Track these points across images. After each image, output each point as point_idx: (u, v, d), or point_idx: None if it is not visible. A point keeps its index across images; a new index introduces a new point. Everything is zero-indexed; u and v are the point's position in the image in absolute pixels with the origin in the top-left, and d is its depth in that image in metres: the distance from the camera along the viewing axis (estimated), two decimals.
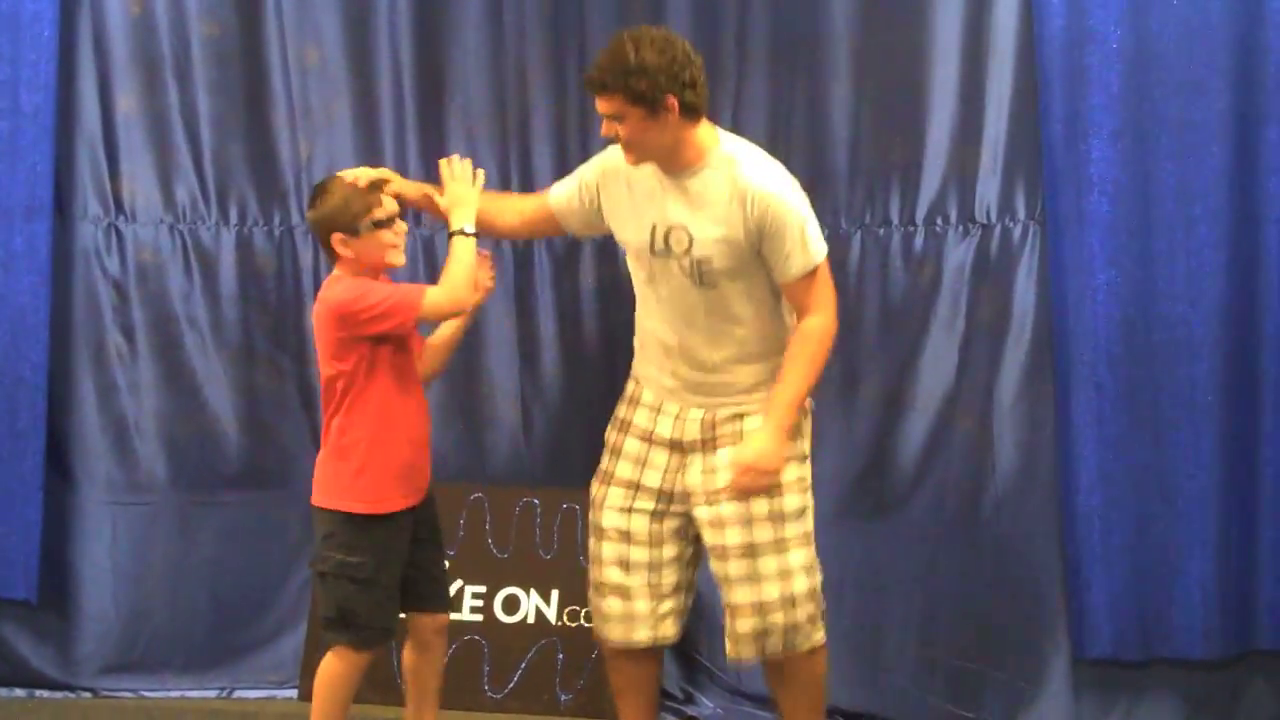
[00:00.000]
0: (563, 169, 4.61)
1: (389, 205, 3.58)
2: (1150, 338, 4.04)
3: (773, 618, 3.49)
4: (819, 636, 3.56)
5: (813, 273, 3.41)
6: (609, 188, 3.60)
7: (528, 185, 4.64)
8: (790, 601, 3.49)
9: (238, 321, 4.75)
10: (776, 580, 3.49)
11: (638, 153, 3.42)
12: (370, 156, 4.69)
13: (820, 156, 4.45)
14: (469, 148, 4.66)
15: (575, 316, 4.69)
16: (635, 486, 3.61)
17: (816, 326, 3.44)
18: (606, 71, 3.35)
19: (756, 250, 3.40)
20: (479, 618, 4.60)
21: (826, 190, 4.44)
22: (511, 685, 4.52)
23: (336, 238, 3.54)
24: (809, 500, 3.56)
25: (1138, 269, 4.04)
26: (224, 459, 4.75)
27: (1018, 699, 4.19)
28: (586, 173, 3.68)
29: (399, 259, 3.61)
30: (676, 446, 3.58)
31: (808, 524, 3.55)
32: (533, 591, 4.61)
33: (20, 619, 4.65)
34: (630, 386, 3.73)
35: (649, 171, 3.49)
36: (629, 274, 4.60)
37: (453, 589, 4.60)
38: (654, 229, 3.48)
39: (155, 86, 4.70)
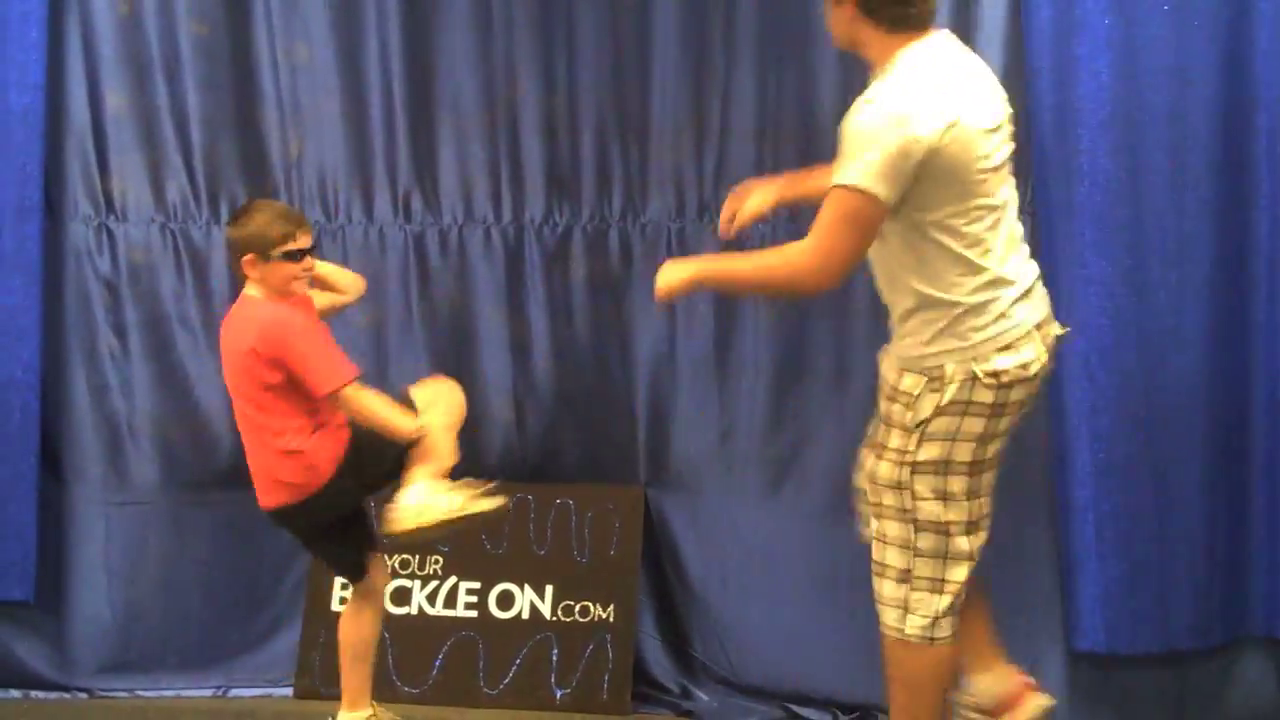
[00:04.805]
0: (553, 164, 4.64)
1: (303, 240, 3.75)
2: (1142, 328, 4.03)
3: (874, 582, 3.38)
4: (911, 631, 3.36)
5: (832, 194, 3.11)
6: None
7: (517, 182, 4.65)
8: (879, 569, 3.38)
9: None
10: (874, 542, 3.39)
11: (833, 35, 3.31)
12: (360, 153, 4.70)
13: (809, 150, 4.42)
14: (458, 144, 4.67)
15: (566, 310, 4.68)
16: None
17: (793, 250, 3.22)
18: None
19: None
20: (473, 614, 4.60)
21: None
22: (506, 681, 4.53)
23: (247, 259, 3.73)
24: (901, 478, 3.30)
25: (1129, 259, 4.03)
26: (217, 458, 4.74)
27: None
28: None
29: (301, 290, 3.81)
30: None
31: (898, 498, 3.32)
32: (527, 587, 4.61)
33: (15, 620, 4.66)
34: None
35: None
36: (620, 266, 4.66)
37: (446, 585, 4.64)
38: None
39: (145, 85, 4.69)
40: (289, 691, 4.63)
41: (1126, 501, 4.06)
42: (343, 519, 3.89)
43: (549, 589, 4.59)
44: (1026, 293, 3.26)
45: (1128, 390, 4.04)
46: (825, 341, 4.48)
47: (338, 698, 4.49)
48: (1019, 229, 3.31)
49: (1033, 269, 3.33)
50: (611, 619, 4.53)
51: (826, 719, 4.38)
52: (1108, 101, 4.00)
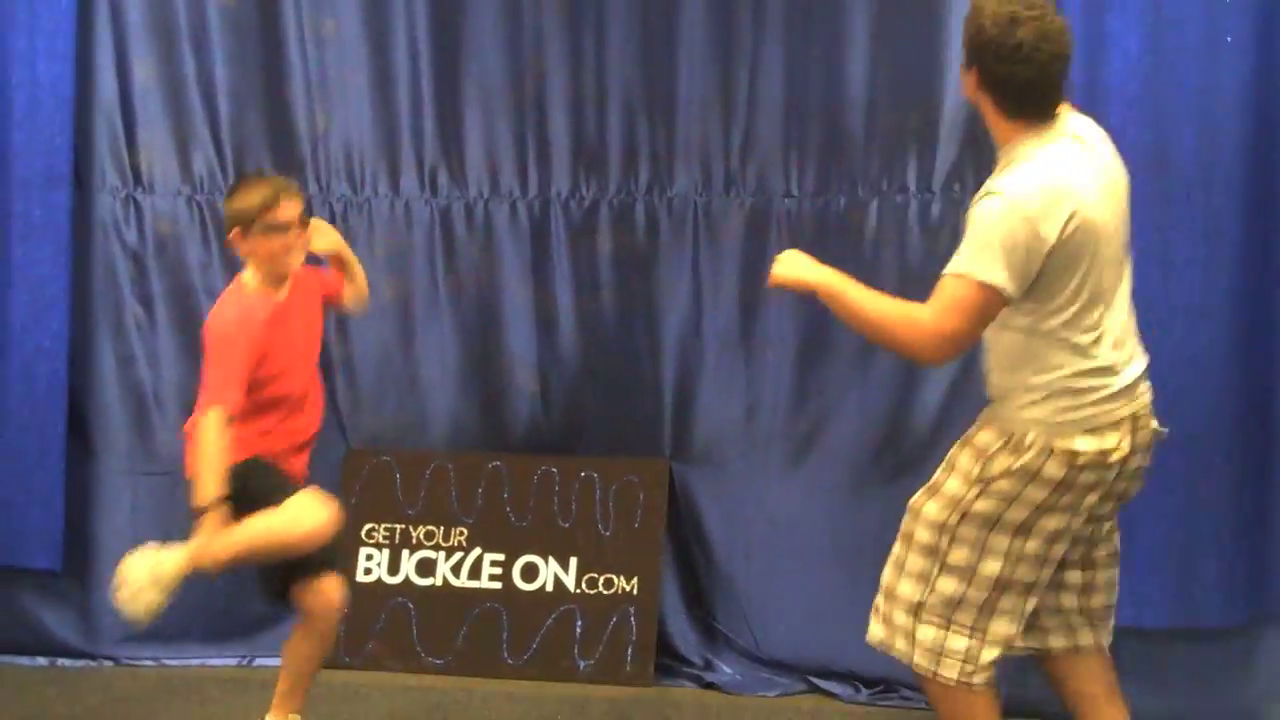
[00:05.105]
0: (579, 139, 4.65)
1: (287, 212, 3.64)
2: (1170, 304, 4.03)
3: (877, 598, 3.33)
4: (914, 654, 3.25)
5: (957, 277, 3.07)
6: None
7: (544, 156, 4.67)
8: (888, 594, 3.31)
9: None
10: (889, 565, 3.32)
11: None
12: (387, 127, 4.72)
13: (837, 125, 4.45)
14: (485, 118, 4.68)
15: (592, 284, 4.69)
16: None
17: (916, 319, 3.12)
18: None
19: None
20: (498, 585, 4.62)
21: (843, 158, 4.46)
22: (530, 652, 4.55)
23: (234, 234, 3.66)
24: (948, 520, 3.20)
25: (1154, 236, 4.02)
26: None
27: (1031, 665, 4.19)
28: None
29: (293, 262, 3.68)
30: None
31: (935, 537, 3.23)
32: (551, 559, 4.63)
33: (42, 588, 4.69)
34: None
35: None
36: (646, 240, 4.66)
37: (471, 557, 4.66)
38: None
39: (172, 58, 4.72)
40: None
41: (1151, 478, 4.05)
42: None
43: (573, 561, 4.61)
44: (1128, 387, 3.22)
45: (1153, 366, 4.02)
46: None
47: (361, 667, 4.54)
48: (1130, 316, 3.28)
49: (1141, 361, 3.29)
50: (635, 591, 4.55)
51: (848, 692, 4.40)
52: (1138, 77, 3.99)
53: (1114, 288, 3.22)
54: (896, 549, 3.32)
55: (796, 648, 4.48)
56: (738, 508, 4.61)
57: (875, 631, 3.35)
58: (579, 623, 4.56)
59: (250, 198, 3.64)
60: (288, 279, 3.71)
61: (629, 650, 4.51)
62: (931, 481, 3.30)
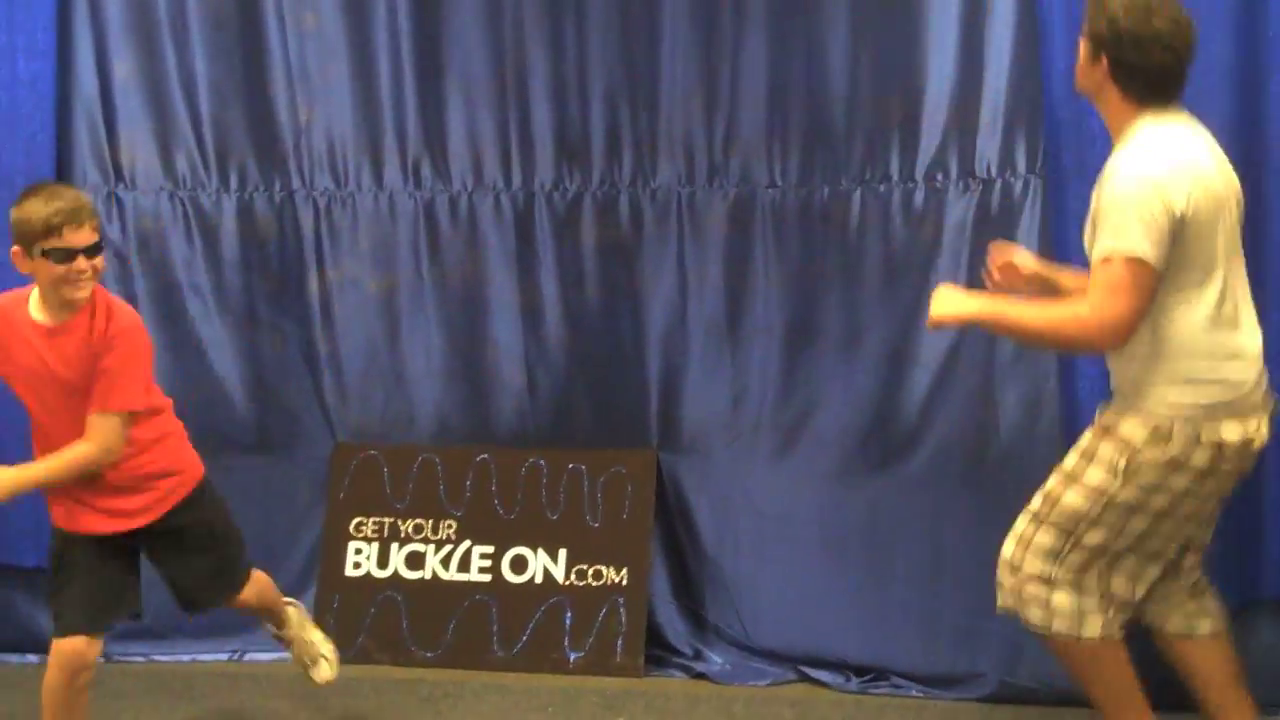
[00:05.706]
0: (563, 130, 4.64)
1: (73, 239, 3.32)
2: None
3: (1001, 574, 3.49)
4: (1053, 622, 3.42)
5: (1104, 262, 3.19)
6: None
7: (527, 148, 4.65)
8: (1014, 568, 3.45)
9: (240, 287, 4.77)
10: (1013, 540, 3.47)
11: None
12: (369, 120, 4.70)
13: (819, 114, 4.43)
14: (467, 110, 4.67)
15: (577, 276, 4.68)
16: None
17: (1079, 312, 3.26)
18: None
19: None
20: (487, 578, 4.63)
21: (826, 148, 4.44)
22: (520, 645, 4.56)
23: (14, 251, 3.37)
24: (1090, 510, 3.36)
25: None
26: (230, 424, 4.77)
27: (1021, 652, 4.21)
28: None
29: (76, 294, 3.39)
30: None
31: (1072, 523, 3.38)
32: (540, 551, 4.64)
33: (31, 586, 4.67)
34: None
35: None
36: (631, 231, 4.66)
37: (460, 549, 4.66)
38: None
39: (153, 52, 4.69)
40: None
41: None
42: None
43: (562, 553, 4.62)
44: (1261, 371, 3.35)
45: None
46: (836, 306, 4.48)
47: (352, 661, 4.54)
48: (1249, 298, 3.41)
49: (1260, 338, 3.40)
50: (624, 582, 4.56)
51: (839, 680, 4.41)
52: None
53: (1238, 271, 3.36)
54: (1024, 527, 3.46)
55: (786, 637, 4.49)
56: (725, 498, 4.62)
57: (1004, 600, 3.50)
58: (568, 614, 4.57)
59: (33, 216, 3.31)
60: (73, 309, 3.43)
61: (619, 641, 4.52)
62: (1068, 469, 3.42)
